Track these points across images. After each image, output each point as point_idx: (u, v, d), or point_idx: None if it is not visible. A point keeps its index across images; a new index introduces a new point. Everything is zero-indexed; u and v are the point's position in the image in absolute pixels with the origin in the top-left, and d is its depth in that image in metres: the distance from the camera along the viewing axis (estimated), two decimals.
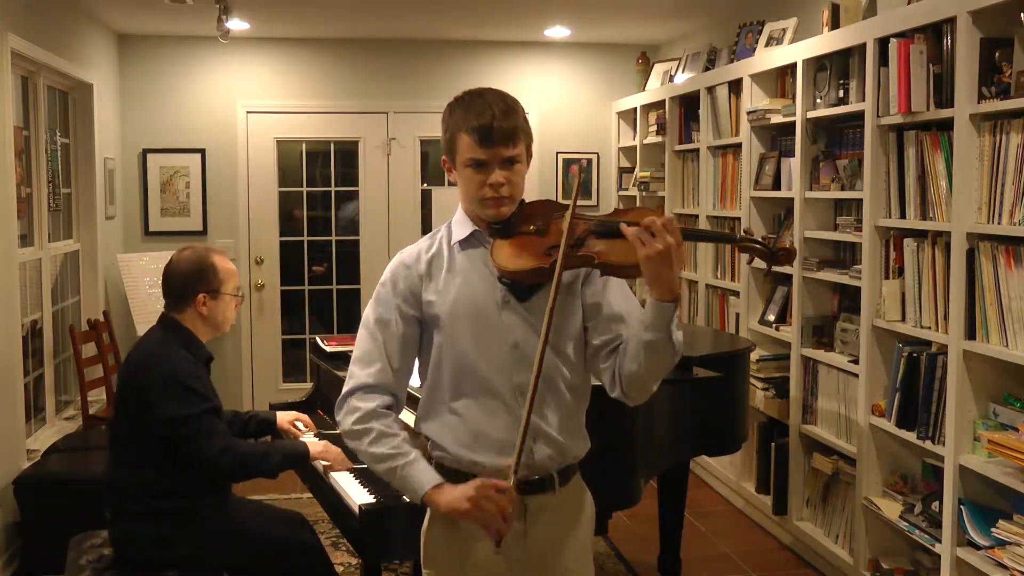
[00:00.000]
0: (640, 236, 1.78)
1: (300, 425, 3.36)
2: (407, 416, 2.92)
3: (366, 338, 2.05)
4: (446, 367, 2.01)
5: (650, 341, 1.86)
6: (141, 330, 5.49)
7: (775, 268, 1.95)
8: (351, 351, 3.68)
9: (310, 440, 3.11)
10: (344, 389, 2.04)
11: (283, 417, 3.36)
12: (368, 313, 2.07)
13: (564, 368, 2.01)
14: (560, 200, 4.44)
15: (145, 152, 6.44)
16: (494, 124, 1.95)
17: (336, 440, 3.27)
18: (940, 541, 3.27)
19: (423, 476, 1.95)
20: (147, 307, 5.67)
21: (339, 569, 3.93)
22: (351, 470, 3.00)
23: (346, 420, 2.01)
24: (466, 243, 2.04)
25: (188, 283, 2.92)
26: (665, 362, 1.91)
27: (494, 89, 2.05)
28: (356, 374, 2.04)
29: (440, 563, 2.07)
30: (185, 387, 2.79)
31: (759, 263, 1.85)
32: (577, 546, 2.10)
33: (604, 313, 2.01)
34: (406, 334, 2.04)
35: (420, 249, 2.08)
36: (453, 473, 2.00)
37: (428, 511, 2.08)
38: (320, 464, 3.03)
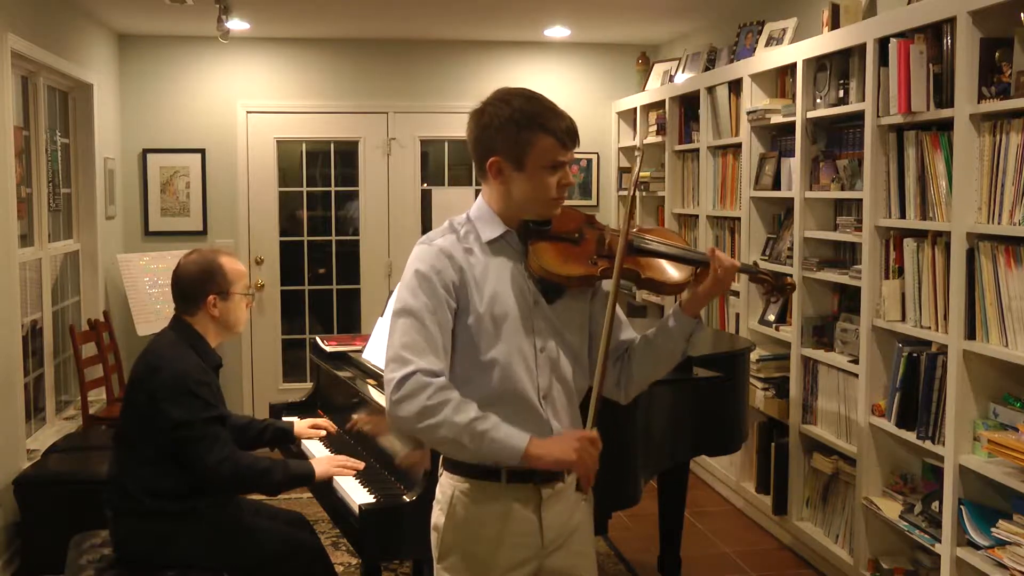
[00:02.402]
0: (721, 272, 2.00)
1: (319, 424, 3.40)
2: None
3: (414, 327, 1.94)
4: (473, 365, 2.00)
5: (669, 349, 2.07)
6: (141, 330, 5.50)
7: (779, 297, 2.15)
8: (351, 351, 3.76)
9: (318, 457, 3.12)
10: (397, 374, 1.91)
11: (300, 426, 3.37)
12: (408, 300, 1.97)
13: (578, 373, 2.11)
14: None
15: (145, 152, 6.44)
16: (575, 127, 2.02)
17: (342, 443, 3.28)
18: (940, 541, 3.27)
19: (515, 434, 1.92)
20: (147, 307, 5.67)
21: (339, 569, 3.93)
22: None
23: (415, 400, 1.89)
24: (496, 243, 2.04)
25: (197, 285, 2.93)
26: (669, 367, 2.12)
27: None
28: (410, 360, 1.91)
29: (462, 557, 2.05)
30: (192, 393, 2.79)
31: (762, 291, 2.23)
32: (584, 530, 2.16)
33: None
34: (450, 324, 1.98)
35: (453, 241, 2.02)
36: (471, 468, 2.02)
37: (435, 507, 2.09)
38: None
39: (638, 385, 2.15)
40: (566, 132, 1.99)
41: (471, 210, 2.09)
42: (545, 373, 2.03)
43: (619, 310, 2.16)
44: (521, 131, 1.97)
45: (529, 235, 2.05)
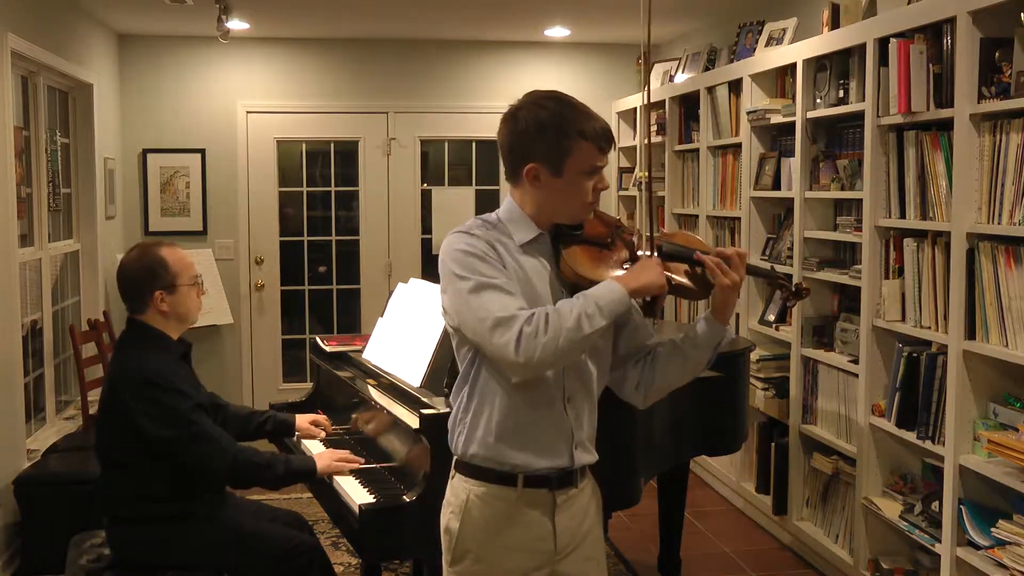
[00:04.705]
0: (720, 266, 1.98)
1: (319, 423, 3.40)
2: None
3: (494, 291, 1.89)
4: (496, 365, 1.97)
5: (695, 356, 2.04)
6: None
7: (794, 301, 2.22)
8: (351, 351, 3.76)
9: (318, 452, 3.10)
10: (507, 337, 1.85)
11: (302, 420, 3.37)
12: (472, 276, 1.92)
13: (600, 377, 2.10)
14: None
15: (145, 152, 6.44)
16: (609, 129, 2.01)
17: (341, 443, 3.28)
18: (940, 541, 3.27)
19: (604, 288, 1.91)
20: None
21: (339, 569, 3.93)
22: (352, 470, 3.00)
23: (535, 345, 1.84)
24: (529, 246, 2.02)
25: (142, 283, 2.86)
26: (694, 375, 2.10)
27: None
28: (510, 317, 1.86)
29: (476, 560, 2.05)
30: (164, 390, 2.75)
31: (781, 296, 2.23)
32: (595, 535, 2.16)
33: (631, 323, 2.12)
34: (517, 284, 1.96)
35: (488, 237, 1.99)
36: (487, 472, 2.02)
37: (446, 509, 2.09)
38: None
39: (659, 391, 2.12)
40: (603, 136, 1.97)
41: (501, 211, 2.06)
42: (572, 377, 2.02)
43: (639, 311, 2.14)
44: (559, 137, 1.94)
45: (561, 239, 2.04)
